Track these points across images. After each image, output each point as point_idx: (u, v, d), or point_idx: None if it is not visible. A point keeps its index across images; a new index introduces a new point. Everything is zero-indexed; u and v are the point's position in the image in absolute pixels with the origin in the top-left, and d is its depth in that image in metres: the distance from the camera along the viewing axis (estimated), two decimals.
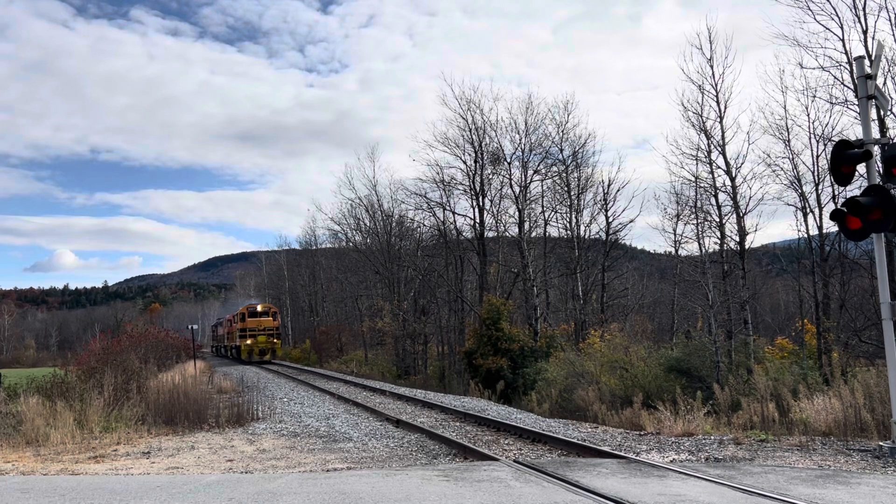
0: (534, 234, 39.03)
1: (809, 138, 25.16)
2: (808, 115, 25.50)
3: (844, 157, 11.23)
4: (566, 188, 38.16)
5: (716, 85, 25.95)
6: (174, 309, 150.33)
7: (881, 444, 10.65)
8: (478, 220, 39.14)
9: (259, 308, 55.90)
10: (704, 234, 27.59)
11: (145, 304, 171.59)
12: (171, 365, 32.29)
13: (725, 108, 25.84)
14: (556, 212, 39.46)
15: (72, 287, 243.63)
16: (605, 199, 37.40)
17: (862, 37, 22.02)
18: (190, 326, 40.59)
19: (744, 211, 25.60)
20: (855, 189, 15.91)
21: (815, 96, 24.47)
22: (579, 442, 12.15)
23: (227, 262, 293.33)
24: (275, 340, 54.14)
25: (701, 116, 26.28)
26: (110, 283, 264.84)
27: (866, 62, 11.64)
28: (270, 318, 55.09)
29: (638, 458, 10.60)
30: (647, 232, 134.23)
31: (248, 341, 52.59)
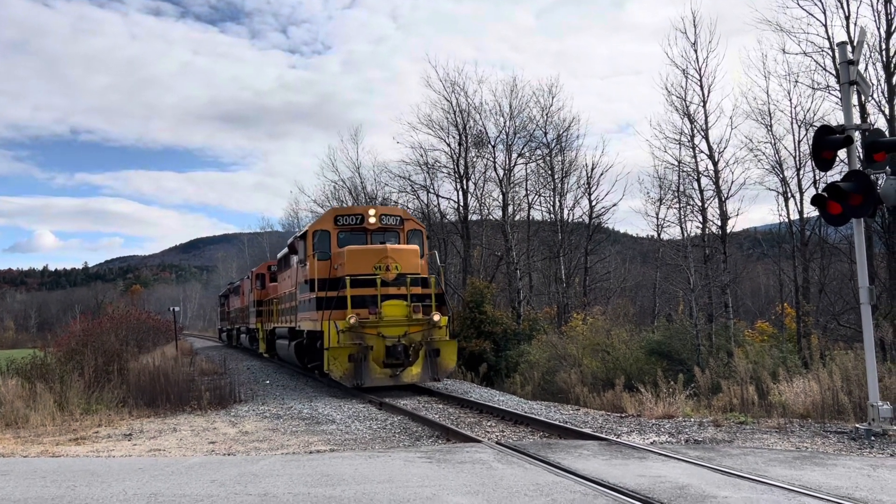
0: (517, 218, 39.05)
1: (791, 123, 25.40)
2: (791, 100, 25.71)
3: (826, 143, 11.29)
4: (550, 172, 38.15)
5: (700, 69, 26.05)
6: (155, 290, 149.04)
7: (858, 426, 10.81)
8: (461, 204, 39.07)
9: (371, 217, 18.77)
10: (687, 218, 27.81)
11: (126, 285, 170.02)
12: (151, 347, 32.13)
13: (709, 92, 25.97)
14: (539, 195, 39.46)
15: (51, 268, 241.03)
16: (588, 183, 37.47)
17: (844, 22, 22.21)
18: (172, 308, 40.08)
19: (726, 195, 25.80)
20: (836, 174, 16.08)
21: (797, 82, 24.70)
22: (561, 424, 12.23)
23: (209, 243, 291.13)
24: (435, 318, 17.01)
25: (684, 100, 26.40)
26: (90, 265, 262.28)
27: (848, 48, 11.69)
28: (414, 250, 18.08)
29: (619, 439, 10.69)
30: (630, 216, 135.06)
31: (351, 318, 16.36)
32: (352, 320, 16.28)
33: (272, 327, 27.09)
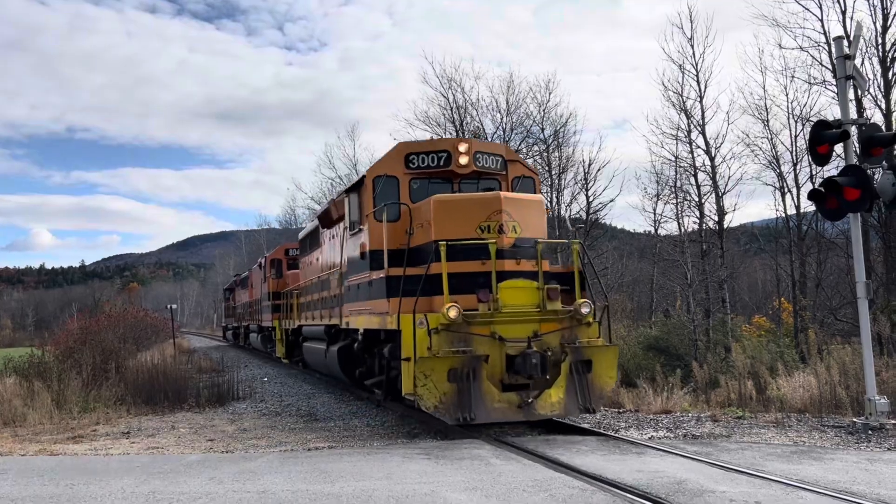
0: None
1: (788, 118, 25.40)
2: (787, 95, 25.74)
3: (822, 138, 11.32)
4: (547, 168, 38.12)
5: (696, 64, 26.04)
6: (153, 288, 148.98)
7: (855, 420, 10.84)
8: None
9: (462, 155, 12.36)
10: (684, 214, 27.84)
11: (123, 283, 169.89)
12: (149, 345, 32.11)
13: (705, 87, 25.97)
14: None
15: (48, 266, 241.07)
16: (585, 179, 37.39)
17: (840, 17, 22.22)
18: (169, 306, 39.87)
19: (723, 190, 25.81)
20: (832, 169, 16.05)
21: (793, 77, 24.69)
22: (559, 419, 12.24)
23: (205, 241, 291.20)
24: (583, 310, 10.79)
25: (681, 96, 26.39)
26: (87, 263, 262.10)
27: (845, 43, 11.70)
28: (538, 202, 12.21)
29: (617, 435, 10.71)
30: (627, 211, 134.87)
31: (451, 310, 10.20)
32: (452, 313, 10.22)
33: (296, 325, 20.78)
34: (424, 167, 12.50)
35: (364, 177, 12.80)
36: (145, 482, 8.24)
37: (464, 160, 12.34)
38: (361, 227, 12.88)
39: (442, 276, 10.52)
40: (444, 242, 10.55)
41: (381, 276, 11.53)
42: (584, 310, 10.81)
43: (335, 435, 11.72)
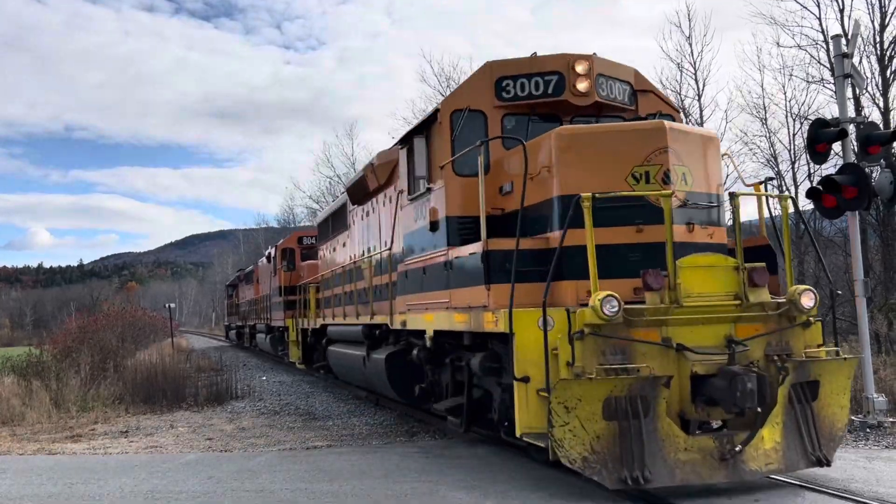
0: None
1: (786, 117, 25.37)
2: (785, 93, 25.68)
3: (820, 136, 11.32)
4: None
5: (694, 63, 26.04)
6: (151, 287, 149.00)
7: (853, 418, 10.82)
8: None
9: (581, 79, 8.85)
10: None
11: (121, 282, 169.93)
12: (148, 344, 32.12)
13: (704, 86, 25.99)
14: None
15: (46, 265, 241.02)
16: None
17: (839, 15, 22.17)
18: (167, 305, 39.75)
19: None
20: (830, 167, 16.07)
21: (791, 75, 24.64)
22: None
23: (204, 240, 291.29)
24: (805, 303, 7.20)
25: (679, 94, 26.39)
26: (85, 262, 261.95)
27: (843, 41, 11.71)
28: (712, 139, 8.29)
29: None
30: None
31: (606, 301, 6.55)
32: (608, 308, 6.60)
33: (318, 324, 17.45)
34: (525, 96, 9.02)
35: (437, 111, 9.25)
36: (144, 481, 8.25)
37: (583, 85, 8.90)
38: (431, 185, 9.35)
39: (589, 249, 6.79)
40: (590, 196, 6.84)
41: (475, 252, 7.80)
42: (807, 302, 7.29)
43: (334, 434, 11.72)
